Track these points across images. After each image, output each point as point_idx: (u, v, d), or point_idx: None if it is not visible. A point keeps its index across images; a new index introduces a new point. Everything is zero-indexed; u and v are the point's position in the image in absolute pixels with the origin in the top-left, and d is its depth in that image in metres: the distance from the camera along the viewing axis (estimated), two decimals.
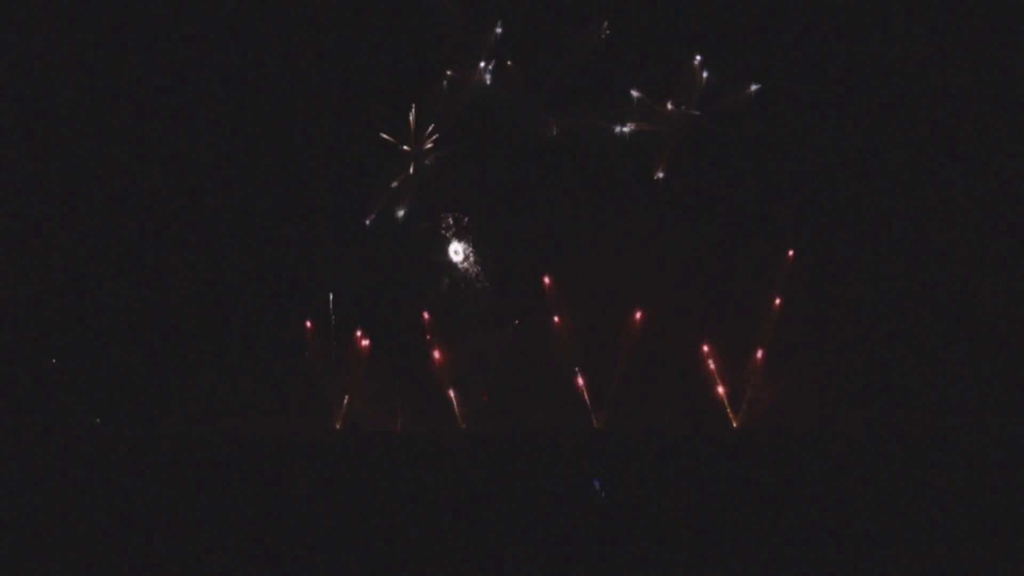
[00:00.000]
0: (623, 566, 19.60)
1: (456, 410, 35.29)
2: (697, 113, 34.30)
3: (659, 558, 19.93)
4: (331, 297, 35.79)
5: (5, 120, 34.14)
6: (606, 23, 34.29)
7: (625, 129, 34.80)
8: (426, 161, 35.62)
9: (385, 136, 35.34)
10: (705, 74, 34.14)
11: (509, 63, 35.19)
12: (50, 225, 34.26)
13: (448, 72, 35.44)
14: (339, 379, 35.56)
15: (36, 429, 31.71)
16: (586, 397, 34.67)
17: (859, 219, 33.30)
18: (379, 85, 35.50)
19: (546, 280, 35.29)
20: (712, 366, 34.00)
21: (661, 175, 34.95)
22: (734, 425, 33.76)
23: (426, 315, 35.88)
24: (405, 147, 35.52)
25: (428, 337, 35.71)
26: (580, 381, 34.65)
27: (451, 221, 36.09)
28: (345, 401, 35.51)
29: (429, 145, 35.64)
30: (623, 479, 24.93)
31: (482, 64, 35.23)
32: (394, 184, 35.82)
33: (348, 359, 35.68)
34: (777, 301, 33.66)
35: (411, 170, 35.66)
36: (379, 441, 33.00)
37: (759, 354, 33.46)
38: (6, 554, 20.45)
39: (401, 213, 36.05)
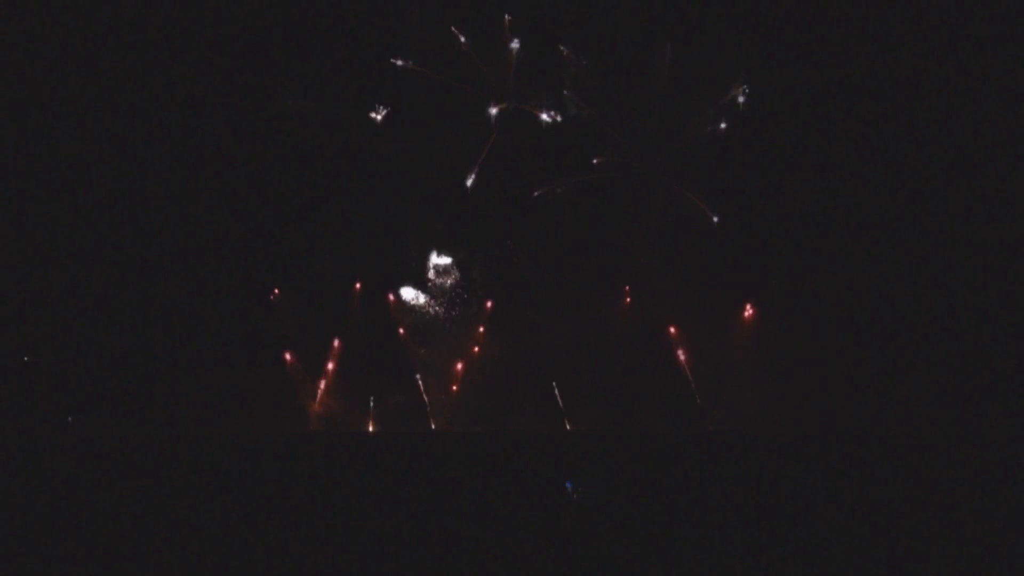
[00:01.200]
0: (595, 568, 19.67)
1: (428, 408, 35.32)
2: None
3: (631, 560, 20.01)
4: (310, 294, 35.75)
5: None
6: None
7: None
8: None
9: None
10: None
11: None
12: (23, 225, 33.99)
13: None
14: (316, 379, 35.51)
15: (6, 428, 31.41)
16: (559, 399, 34.88)
17: (837, 227, 33.68)
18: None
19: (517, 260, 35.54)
20: (688, 368, 34.29)
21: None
22: (708, 428, 34.04)
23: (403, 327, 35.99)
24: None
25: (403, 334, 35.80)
26: (554, 383, 34.87)
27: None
28: (320, 401, 35.46)
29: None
30: (596, 481, 24.96)
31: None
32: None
33: (327, 358, 35.67)
34: (748, 311, 34.03)
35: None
36: (354, 442, 32.95)
37: (736, 356, 33.85)
38: None
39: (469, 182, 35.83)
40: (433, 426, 35.16)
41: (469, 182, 35.19)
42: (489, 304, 35.72)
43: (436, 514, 23.19)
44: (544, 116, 34.81)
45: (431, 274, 36.18)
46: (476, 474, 27.10)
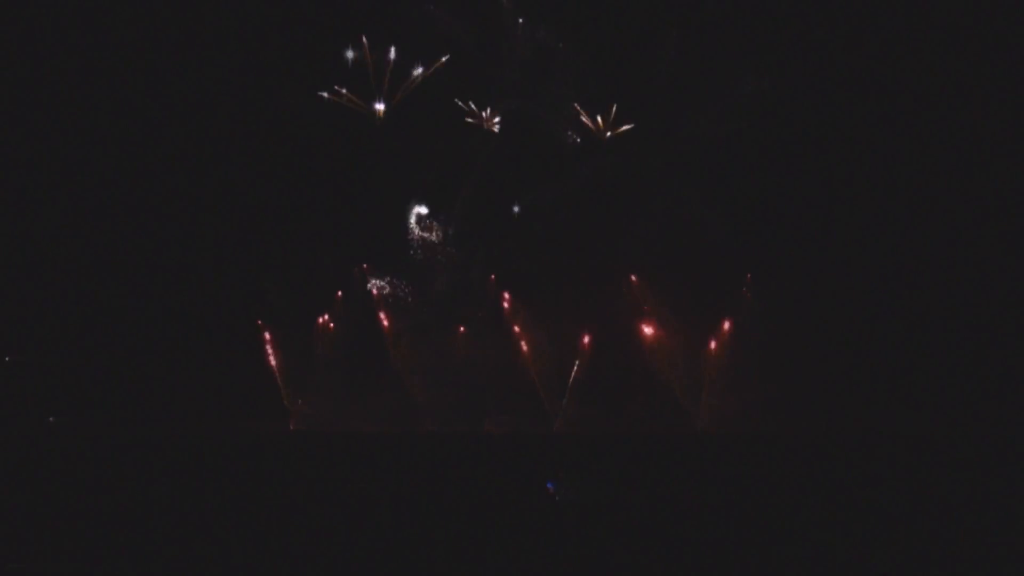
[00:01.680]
0: (577, 567, 19.70)
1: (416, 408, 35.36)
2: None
3: (614, 559, 20.03)
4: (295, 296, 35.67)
5: None
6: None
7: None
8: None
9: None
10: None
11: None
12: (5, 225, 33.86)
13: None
14: (298, 379, 35.49)
15: None
16: (544, 401, 34.96)
17: (825, 231, 33.81)
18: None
19: (505, 295, 35.58)
20: (672, 371, 34.41)
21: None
22: (695, 429, 34.18)
23: (385, 319, 35.90)
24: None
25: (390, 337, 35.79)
26: (538, 384, 34.94)
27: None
28: (301, 402, 35.45)
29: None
30: (579, 481, 24.95)
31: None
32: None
33: (313, 357, 35.65)
34: (727, 325, 34.16)
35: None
36: (334, 442, 32.92)
37: (716, 359, 33.97)
38: None
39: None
40: (430, 428, 35.27)
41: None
42: (493, 277, 35.76)
43: (420, 513, 23.16)
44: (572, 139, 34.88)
45: (426, 273, 36.23)
46: (461, 474, 27.15)
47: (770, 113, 33.82)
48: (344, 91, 35.02)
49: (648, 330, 34.64)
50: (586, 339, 34.81)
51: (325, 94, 34.93)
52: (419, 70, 34.92)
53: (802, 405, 32.52)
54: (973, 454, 27.15)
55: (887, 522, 21.19)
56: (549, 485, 23.93)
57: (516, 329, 35.29)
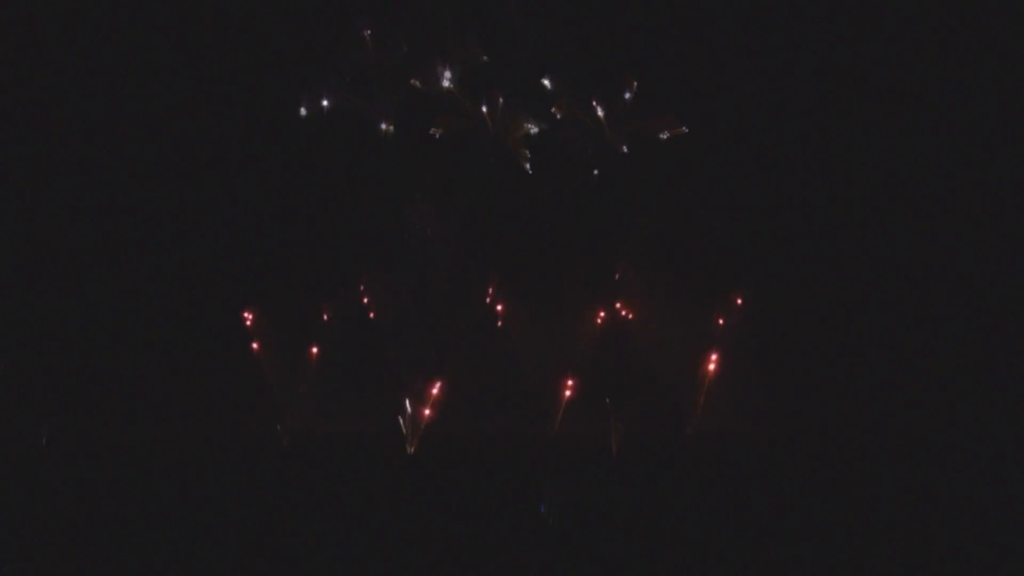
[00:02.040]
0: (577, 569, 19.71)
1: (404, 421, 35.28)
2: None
3: (612, 562, 20.03)
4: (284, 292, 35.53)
5: None
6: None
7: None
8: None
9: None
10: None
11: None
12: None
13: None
14: (289, 378, 35.32)
15: None
16: (540, 402, 34.86)
17: (817, 228, 33.68)
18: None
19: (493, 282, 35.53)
20: (671, 371, 34.31)
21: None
22: (687, 431, 34.06)
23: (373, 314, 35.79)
24: None
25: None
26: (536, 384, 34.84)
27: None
28: (294, 401, 35.31)
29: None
30: (572, 492, 24.83)
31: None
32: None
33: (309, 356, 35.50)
34: (721, 321, 34.10)
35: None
36: (327, 443, 32.77)
37: (711, 364, 33.81)
38: None
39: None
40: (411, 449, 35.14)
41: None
42: (493, 278, 35.53)
43: (416, 514, 23.18)
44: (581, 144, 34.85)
45: (425, 272, 36.13)
46: (459, 474, 27.15)
47: (769, 112, 33.76)
48: (338, 90, 34.96)
49: (646, 329, 34.63)
50: (585, 337, 34.77)
51: (304, 101, 34.80)
52: (446, 72, 34.77)
53: (802, 405, 32.43)
54: (973, 454, 27.09)
55: (887, 522, 21.22)
56: (541, 507, 23.75)
57: (515, 329, 35.25)
